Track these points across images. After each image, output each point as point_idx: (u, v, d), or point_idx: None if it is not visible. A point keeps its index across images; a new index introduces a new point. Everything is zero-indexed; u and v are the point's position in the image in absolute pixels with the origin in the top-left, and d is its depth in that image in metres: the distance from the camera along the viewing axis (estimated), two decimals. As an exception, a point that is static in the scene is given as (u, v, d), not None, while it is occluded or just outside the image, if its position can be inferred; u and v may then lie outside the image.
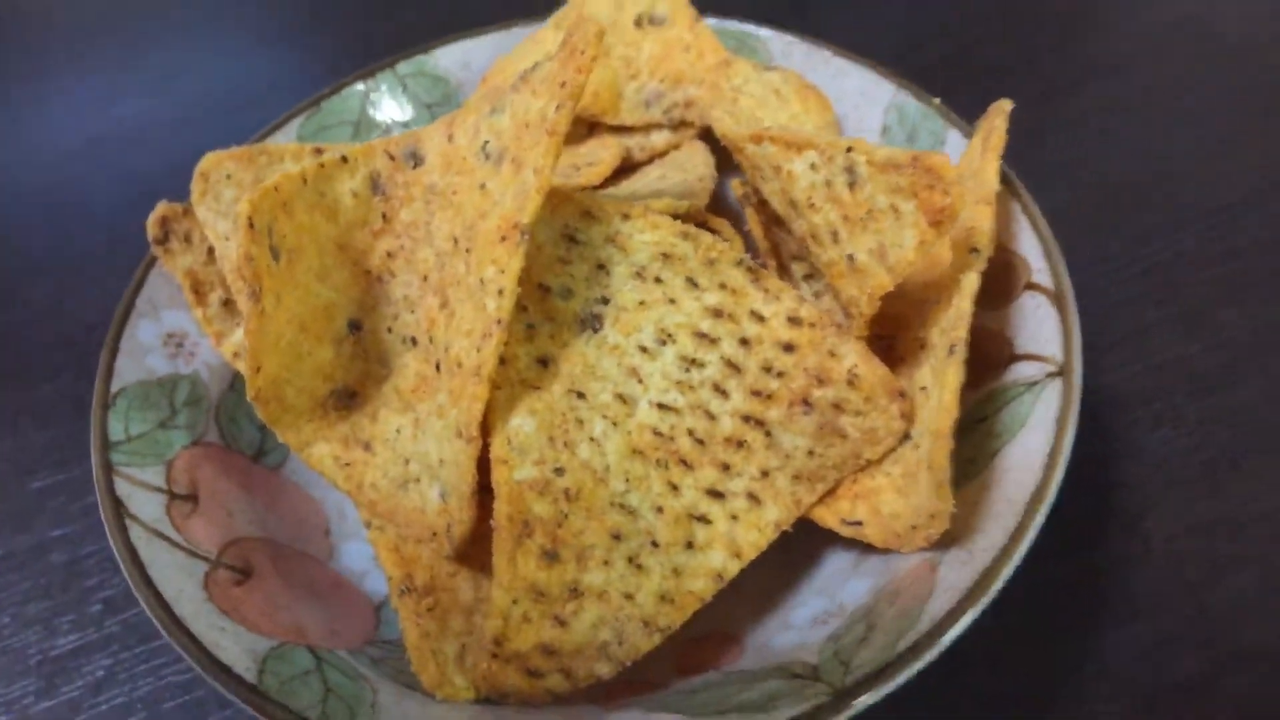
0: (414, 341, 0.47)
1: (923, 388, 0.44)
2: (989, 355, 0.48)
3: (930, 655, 0.38)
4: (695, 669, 0.45)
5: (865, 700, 0.37)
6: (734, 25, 0.62)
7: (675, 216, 0.48)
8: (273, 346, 0.44)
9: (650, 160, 0.58)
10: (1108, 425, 0.56)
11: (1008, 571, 0.40)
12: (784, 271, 0.53)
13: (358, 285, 0.48)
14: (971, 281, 0.44)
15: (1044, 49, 0.81)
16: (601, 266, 0.46)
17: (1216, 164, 0.70)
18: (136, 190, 0.75)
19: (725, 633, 0.47)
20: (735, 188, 0.54)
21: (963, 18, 0.84)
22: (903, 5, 0.86)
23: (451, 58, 0.64)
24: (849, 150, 0.44)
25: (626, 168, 0.58)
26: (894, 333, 0.49)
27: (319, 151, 0.53)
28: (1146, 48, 0.80)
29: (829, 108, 0.58)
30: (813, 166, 0.46)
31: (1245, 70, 0.77)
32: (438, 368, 0.46)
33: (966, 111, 0.56)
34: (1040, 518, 0.41)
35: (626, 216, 0.46)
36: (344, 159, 0.46)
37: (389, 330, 0.48)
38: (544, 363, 0.45)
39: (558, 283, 0.45)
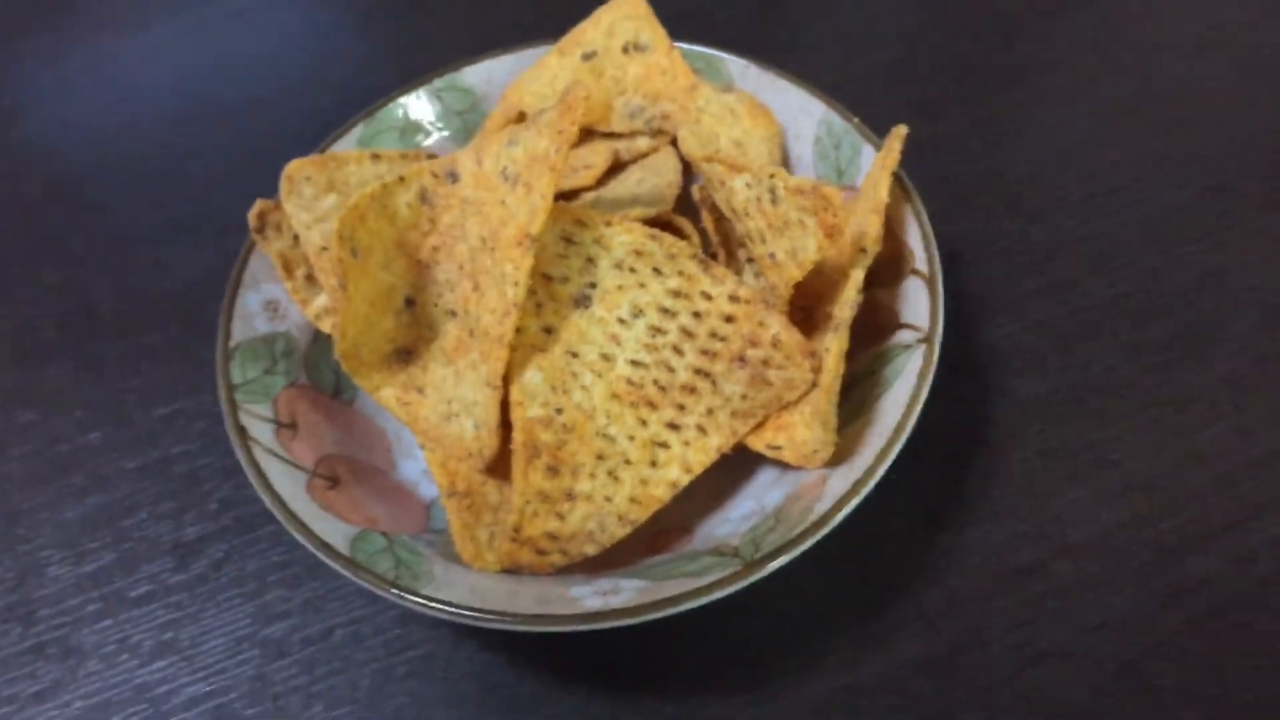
0: (453, 314, 0.55)
1: (827, 349, 0.53)
2: (881, 323, 0.57)
3: (815, 538, 0.47)
4: (656, 551, 0.53)
5: (768, 568, 0.46)
6: (701, 50, 0.71)
7: (646, 221, 0.57)
8: (353, 320, 0.53)
9: (635, 160, 0.67)
10: (986, 372, 0.65)
11: (873, 482, 0.49)
12: (731, 256, 0.62)
13: (411, 272, 0.56)
14: (858, 276, 0.53)
15: (967, 59, 0.88)
16: (590, 260, 0.54)
17: (1099, 158, 0.79)
18: (220, 167, 0.85)
19: (680, 526, 0.55)
20: (695, 192, 0.63)
21: (905, 28, 0.91)
22: (854, 20, 0.92)
23: (477, 75, 0.73)
24: (772, 176, 0.54)
25: (615, 166, 0.67)
26: (811, 304, 0.58)
27: (376, 156, 0.62)
28: (1052, 58, 0.87)
29: (774, 123, 0.67)
30: (747, 185, 0.55)
31: (1140, 75, 0.85)
32: (471, 334, 0.53)
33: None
34: (899, 446, 0.50)
35: (609, 223, 0.55)
36: (401, 179, 0.55)
37: (435, 305, 0.56)
38: (548, 331, 0.53)
39: (558, 272, 0.54)
